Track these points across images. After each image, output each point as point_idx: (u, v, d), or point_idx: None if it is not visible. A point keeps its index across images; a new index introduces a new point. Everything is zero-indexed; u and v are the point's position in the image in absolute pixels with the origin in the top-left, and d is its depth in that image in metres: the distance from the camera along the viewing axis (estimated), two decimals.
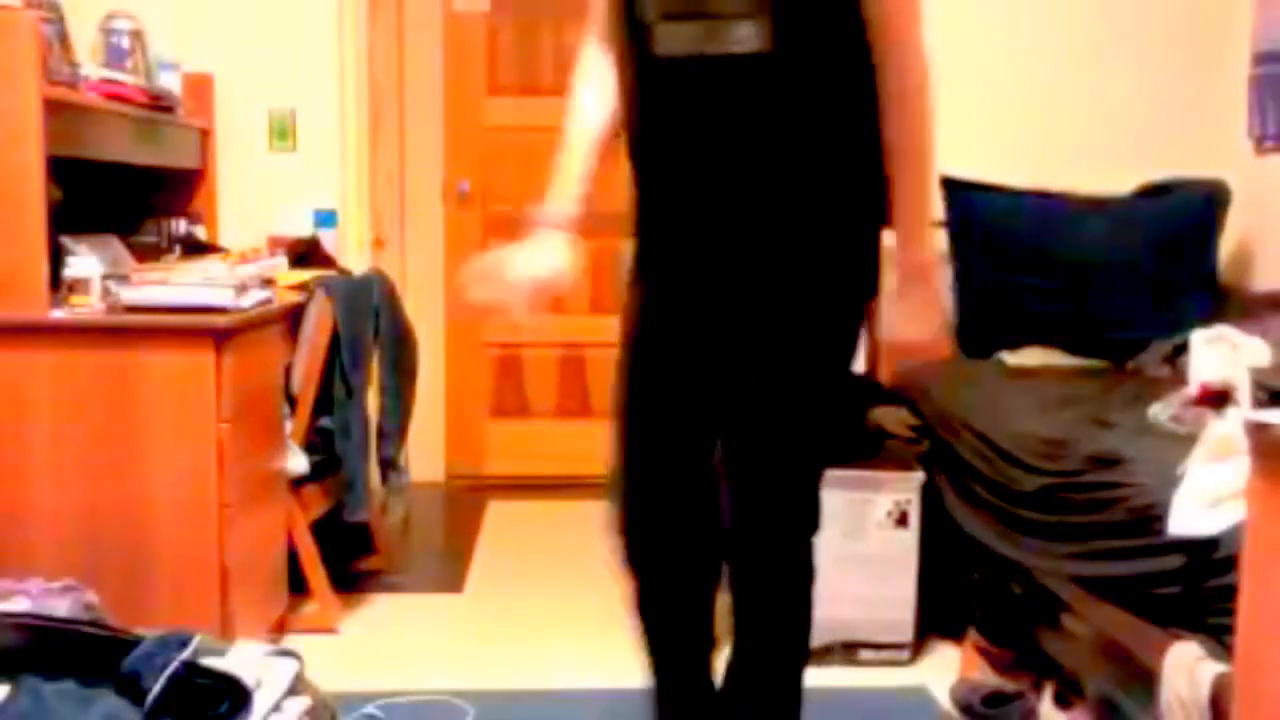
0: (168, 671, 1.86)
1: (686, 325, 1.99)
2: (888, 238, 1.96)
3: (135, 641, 1.95)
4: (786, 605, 2.02)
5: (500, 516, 4.48)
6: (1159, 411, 2.73)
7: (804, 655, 2.06)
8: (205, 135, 3.89)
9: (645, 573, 2.06)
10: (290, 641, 3.04)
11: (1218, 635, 1.93)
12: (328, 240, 3.88)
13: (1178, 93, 4.08)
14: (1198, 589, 2.10)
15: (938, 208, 3.89)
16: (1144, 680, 2.08)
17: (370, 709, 2.68)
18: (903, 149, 1.89)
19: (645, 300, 2.04)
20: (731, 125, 1.86)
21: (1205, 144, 3.99)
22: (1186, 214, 3.77)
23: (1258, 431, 1.65)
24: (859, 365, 2.86)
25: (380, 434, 3.43)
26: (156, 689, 1.85)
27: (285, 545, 3.15)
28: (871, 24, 1.88)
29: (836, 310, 1.94)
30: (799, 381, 1.92)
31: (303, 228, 3.91)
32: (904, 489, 3.05)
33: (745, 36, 1.81)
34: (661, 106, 1.91)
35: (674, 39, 1.85)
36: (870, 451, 3.08)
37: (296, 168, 4.02)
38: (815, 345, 1.93)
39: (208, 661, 1.98)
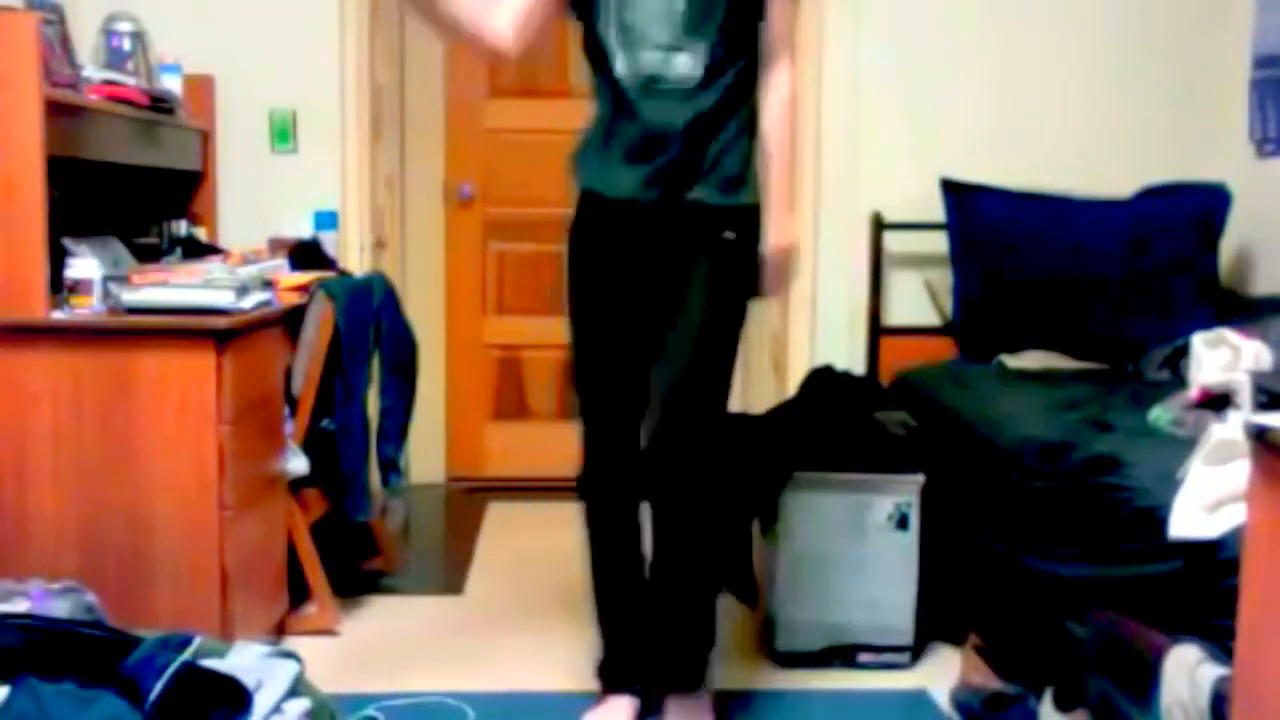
0: (168, 673, 1.86)
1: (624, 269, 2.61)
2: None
3: (135, 643, 1.95)
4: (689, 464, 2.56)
5: (500, 518, 4.48)
6: (1159, 414, 2.73)
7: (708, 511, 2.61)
8: (206, 137, 3.89)
9: (592, 453, 2.67)
10: (290, 643, 3.04)
11: (1218, 638, 1.93)
12: (328, 242, 3.88)
13: (1179, 96, 4.08)
14: (1198, 592, 2.10)
15: (933, 209, 3.91)
16: (1144, 683, 2.08)
17: (370, 710, 2.68)
18: (771, 149, 2.58)
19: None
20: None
21: (1206, 147, 3.99)
22: (1187, 217, 3.78)
23: (1258, 434, 1.65)
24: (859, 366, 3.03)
25: (380, 435, 3.43)
26: (156, 690, 1.85)
27: (285, 547, 3.15)
28: (762, 55, 2.57)
29: (733, 260, 2.57)
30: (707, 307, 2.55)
31: (303, 229, 3.91)
32: (904, 491, 3.05)
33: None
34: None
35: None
36: (870, 454, 3.07)
37: (297, 169, 4.02)
38: (719, 283, 2.55)
39: (208, 663, 1.98)
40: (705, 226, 2.54)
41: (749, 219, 2.57)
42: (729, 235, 2.54)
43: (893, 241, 4.07)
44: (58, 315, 2.67)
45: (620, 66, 2.50)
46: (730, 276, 2.56)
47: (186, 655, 1.91)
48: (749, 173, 2.56)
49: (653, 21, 2.47)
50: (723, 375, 2.59)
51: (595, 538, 2.72)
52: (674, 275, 2.56)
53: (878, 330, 4.06)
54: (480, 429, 4.98)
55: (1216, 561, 2.05)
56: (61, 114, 2.73)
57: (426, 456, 4.86)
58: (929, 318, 4.08)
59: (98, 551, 2.65)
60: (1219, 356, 2.76)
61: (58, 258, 2.73)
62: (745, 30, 2.53)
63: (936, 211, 3.91)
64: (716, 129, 2.51)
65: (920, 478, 3.05)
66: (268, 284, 3.03)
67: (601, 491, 2.69)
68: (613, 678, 2.75)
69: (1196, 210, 3.78)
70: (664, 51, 2.47)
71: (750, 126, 2.56)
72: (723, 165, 2.53)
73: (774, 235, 2.58)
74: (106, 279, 2.76)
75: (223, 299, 2.72)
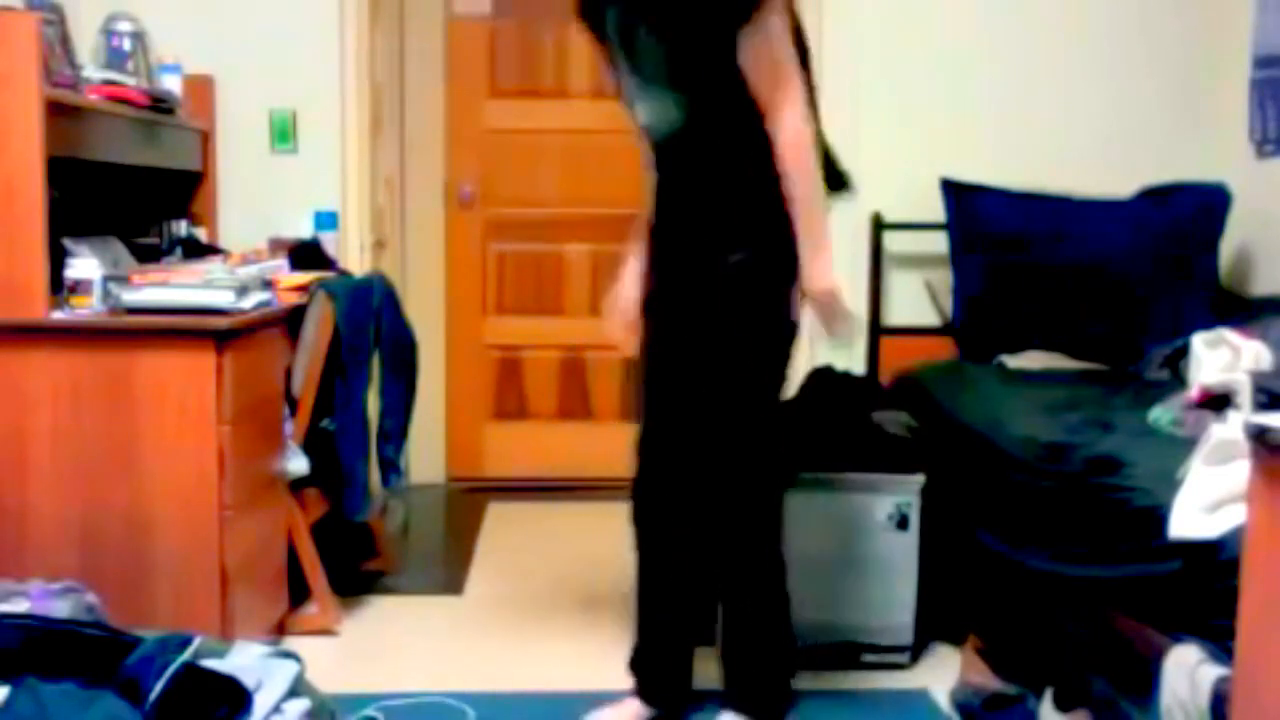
0: (168, 673, 1.87)
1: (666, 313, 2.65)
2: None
3: (135, 643, 1.96)
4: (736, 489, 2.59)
5: (500, 518, 4.48)
6: (1160, 415, 2.73)
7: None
8: (206, 137, 3.89)
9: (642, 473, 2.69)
10: (290, 643, 3.04)
11: (1218, 638, 1.93)
12: (328, 242, 3.88)
13: (1179, 96, 4.08)
14: (1198, 592, 2.10)
15: (933, 209, 3.91)
16: (1144, 683, 2.08)
17: (370, 710, 2.68)
18: (789, 195, 2.46)
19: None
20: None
21: (1206, 147, 3.99)
22: (1188, 217, 3.78)
23: (1258, 435, 1.65)
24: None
25: (380, 435, 3.43)
26: (157, 690, 1.85)
27: (285, 547, 3.15)
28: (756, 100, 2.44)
29: (758, 305, 2.55)
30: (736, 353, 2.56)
31: (303, 229, 3.91)
32: (904, 491, 3.05)
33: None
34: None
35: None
36: (870, 454, 3.07)
37: (297, 169, 4.02)
38: (743, 325, 2.55)
39: (208, 663, 1.98)
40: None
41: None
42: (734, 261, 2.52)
43: (893, 241, 4.07)
44: (58, 315, 2.67)
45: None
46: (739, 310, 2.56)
47: (186, 655, 1.91)
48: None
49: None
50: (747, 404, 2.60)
51: (642, 543, 2.71)
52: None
53: (878, 330, 4.06)
54: (480, 429, 4.98)
55: (1216, 561, 2.05)
56: (61, 114, 2.73)
57: (426, 456, 4.86)
58: (929, 318, 4.08)
59: (98, 551, 2.64)
60: (1219, 356, 2.76)
61: (58, 258, 2.73)
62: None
63: (936, 211, 3.91)
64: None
65: (920, 478, 3.05)
66: (268, 284, 3.03)
67: (651, 498, 2.69)
68: (645, 686, 2.73)
69: (1196, 210, 3.78)
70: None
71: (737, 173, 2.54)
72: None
73: (807, 281, 2.52)
74: (106, 279, 2.76)
75: (223, 299, 2.72)
